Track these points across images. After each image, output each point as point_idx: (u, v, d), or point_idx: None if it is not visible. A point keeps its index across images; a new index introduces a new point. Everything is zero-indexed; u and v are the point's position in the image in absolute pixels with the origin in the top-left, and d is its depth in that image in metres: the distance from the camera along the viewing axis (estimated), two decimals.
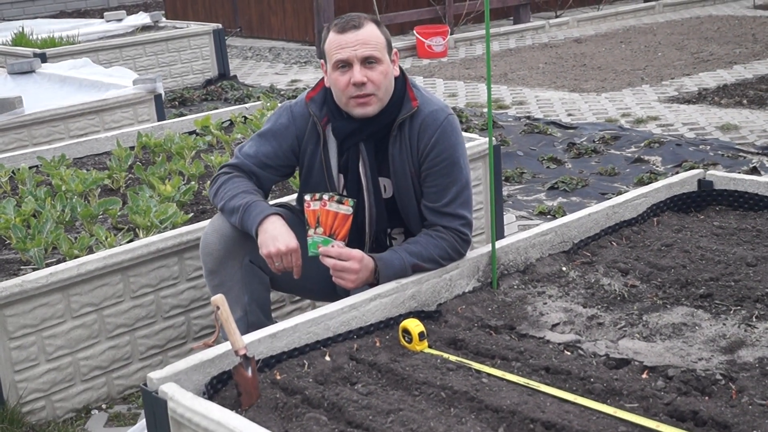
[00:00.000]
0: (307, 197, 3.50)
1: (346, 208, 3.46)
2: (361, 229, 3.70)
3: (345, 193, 3.66)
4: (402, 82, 3.64)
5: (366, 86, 3.49)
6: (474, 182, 4.91)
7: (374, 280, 3.49)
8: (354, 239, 3.65)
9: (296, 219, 3.75)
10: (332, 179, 3.66)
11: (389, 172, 3.65)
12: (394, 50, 3.62)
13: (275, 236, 3.45)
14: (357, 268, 3.42)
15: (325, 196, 3.46)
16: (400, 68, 3.66)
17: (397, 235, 3.79)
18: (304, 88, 10.70)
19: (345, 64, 3.50)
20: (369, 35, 3.51)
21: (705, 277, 3.67)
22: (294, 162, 3.76)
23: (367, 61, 3.49)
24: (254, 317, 3.66)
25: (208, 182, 4.90)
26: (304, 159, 3.70)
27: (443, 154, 3.59)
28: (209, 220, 3.82)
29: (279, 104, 6.18)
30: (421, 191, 3.65)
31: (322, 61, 3.65)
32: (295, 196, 4.24)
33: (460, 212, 3.63)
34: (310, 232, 3.47)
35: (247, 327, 3.58)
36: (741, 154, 7.13)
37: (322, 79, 3.69)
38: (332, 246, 3.45)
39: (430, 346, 3.26)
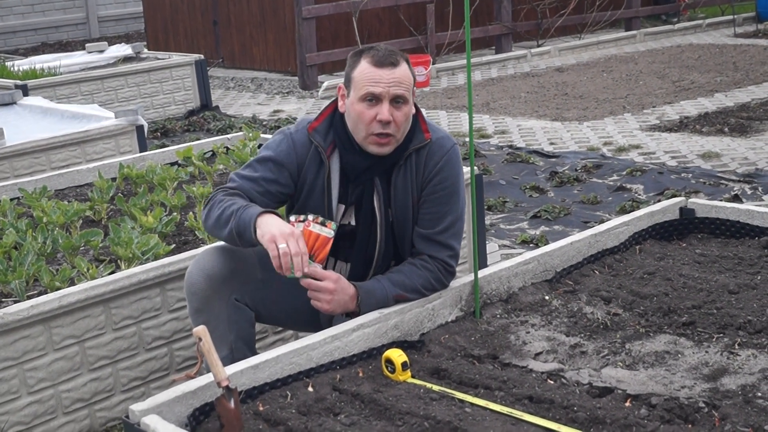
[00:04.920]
0: (292, 218, 3.46)
1: (328, 231, 3.43)
2: (369, 262, 3.69)
3: (355, 225, 3.65)
4: (414, 113, 3.63)
5: (390, 125, 3.46)
6: None
7: (356, 309, 3.48)
8: (360, 270, 3.66)
9: None
10: (331, 209, 3.62)
11: (391, 200, 3.64)
12: (414, 90, 3.61)
13: (277, 225, 3.32)
14: (332, 288, 3.41)
15: (310, 217, 3.44)
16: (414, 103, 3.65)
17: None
18: (287, 119, 10.71)
19: (375, 98, 3.47)
20: (403, 75, 3.50)
21: (687, 304, 3.68)
22: (291, 190, 3.69)
23: (396, 101, 3.48)
24: (240, 354, 3.62)
25: (190, 213, 4.91)
26: (303, 187, 3.66)
27: (446, 181, 3.60)
28: (194, 258, 3.77)
29: (278, 131, 6.16)
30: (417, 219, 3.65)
31: (340, 84, 3.59)
32: None
33: (450, 242, 3.62)
34: None
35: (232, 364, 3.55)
36: (722, 181, 7.17)
37: (326, 109, 3.66)
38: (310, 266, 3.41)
39: (413, 376, 3.25)
